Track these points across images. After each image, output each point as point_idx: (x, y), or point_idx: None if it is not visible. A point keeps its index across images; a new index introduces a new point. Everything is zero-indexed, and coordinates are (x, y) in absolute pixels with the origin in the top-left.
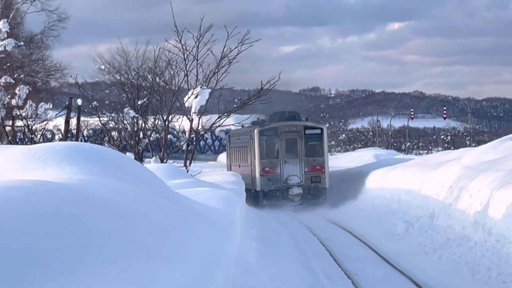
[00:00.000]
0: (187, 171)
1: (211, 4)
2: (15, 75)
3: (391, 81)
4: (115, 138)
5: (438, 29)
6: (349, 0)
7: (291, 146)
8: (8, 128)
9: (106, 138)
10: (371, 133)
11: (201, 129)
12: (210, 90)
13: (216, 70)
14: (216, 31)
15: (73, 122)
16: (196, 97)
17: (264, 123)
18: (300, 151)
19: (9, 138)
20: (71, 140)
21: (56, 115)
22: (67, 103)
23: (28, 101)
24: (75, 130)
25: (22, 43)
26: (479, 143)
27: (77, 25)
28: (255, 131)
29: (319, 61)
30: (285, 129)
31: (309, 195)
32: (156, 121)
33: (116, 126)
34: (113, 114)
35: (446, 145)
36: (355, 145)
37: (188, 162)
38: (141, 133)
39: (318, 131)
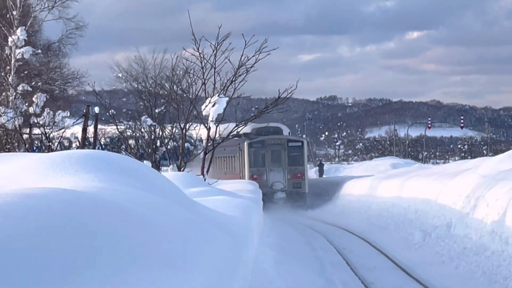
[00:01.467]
0: (204, 179)
1: (229, 12)
2: (33, 83)
3: (409, 90)
4: (132, 146)
5: (457, 38)
6: (368, 9)
7: (276, 157)
8: (25, 136)
9: (123, 146)
10: (388, 142)
11: (219, 138)
12: (227, 98)
13: (234, 79)
14: (234, 40)
15: (91, 130)
16: (213, 106)
17: (249, 135)
18: (284, 161)
19: (27, 146)
20: (88, 148)
21: (73, 123)
22: (84, 111)
23: (45, 109)
24: (92, 138)
25: (39, 51)
26: (496, 152)
27: (96, 33)
28: (245, 143)
29: (337, 70)
30: (270, 142)
31: (291, 199)
32: (174, 130)
33: (134, 134)
34: (130, 122)
35: (463, 154)
36: (372, 154)
37: (205, 170)
38: (158, 141)
39: (299, 143)
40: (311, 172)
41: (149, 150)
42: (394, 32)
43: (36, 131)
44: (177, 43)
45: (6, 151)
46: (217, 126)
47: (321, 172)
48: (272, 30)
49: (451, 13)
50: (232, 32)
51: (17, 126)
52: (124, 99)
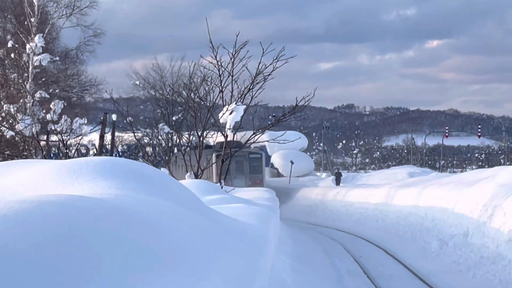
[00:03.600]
0: (221, 187)
1: (250, 20)
2: (50, 90)
3: (427, 99)
4: (150, 153)
5: (477, 47)
6: (389, 17)
7: (239, 166)
8: (43, 143)
9: (141, 154)
10: (405, 151)
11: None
12: (245, 106)
13: (251, 87)
14: (252, 47)
15: (108, 137)
16: (230, 113)
17: (216, 148)
18: (246, 170)
19: (44, 152)
20: (106, 155)
21: (90, 130)
22: (101, 118)
23: (63, 116)
24: (109, 145)
25: (57, 58)
26: None
27: (116, 41)
28: (213, 155)
29: (356, 78)
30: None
31: None
32: (191, 137)
33: (151, 141)
34: (147, 130)
35: (480, 163)
36: (390, 163)
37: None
38: (175, 148)
39: (258, 155)
40: (328, 181)
41: (166, 158)
42: (414, 40)
43: (54, 138)
44: (196, 50)
45: (24, 158)
46: (234, 134)
47: (338, 181)
48: (292, 38)
49: (471, 22)
50: (252, 39)
51: (34, 133)
52: (141, 107)
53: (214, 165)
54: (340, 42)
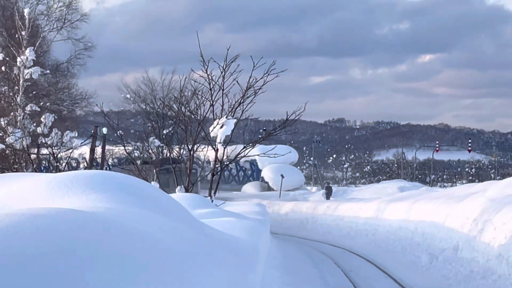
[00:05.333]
0: (212, 201)
1: (242, 33)
2: (41, 103)
3: (418, 113)
4: (140, 167)
5: (469, 61)
6: (382, 31)
7: (178, 179)
8: (33, 156)
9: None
10: (395, 165)
11: (226, 159)
12: (235, 120)
13: (242, 101)
14: (243, 61)
15: (98, 150)
16: (221, 127)
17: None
18: (184, 183)
19: (34, 166)
20: (96, 169)
21: (81, 143)
22: (92, 131)
23: (53, 129)
24: (100, 159)
25: (48, 71)
26: (503, 176)
27: (108, 54)
28: (154, 170)
29: (348, 92)
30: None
31: None
32: (181, 151)
33: (141, 155)
34: (138, 143)
35: (470, 177)
36: (380, 177)
37: (213, 192)
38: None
39: (194, 171)
40: (318, 195)
41: (156, 171)
42: (406, 55)
43: (44, 151)
44: (188, 63)
45: (14, 171)
46: (224, 148)
47: (328, 195)
48: (285, 51)
49: (464, 36)
50: (245, 52)
51: (25, 146)
52: (132, 120)
53: (155, 180)
54: (332, 56)
